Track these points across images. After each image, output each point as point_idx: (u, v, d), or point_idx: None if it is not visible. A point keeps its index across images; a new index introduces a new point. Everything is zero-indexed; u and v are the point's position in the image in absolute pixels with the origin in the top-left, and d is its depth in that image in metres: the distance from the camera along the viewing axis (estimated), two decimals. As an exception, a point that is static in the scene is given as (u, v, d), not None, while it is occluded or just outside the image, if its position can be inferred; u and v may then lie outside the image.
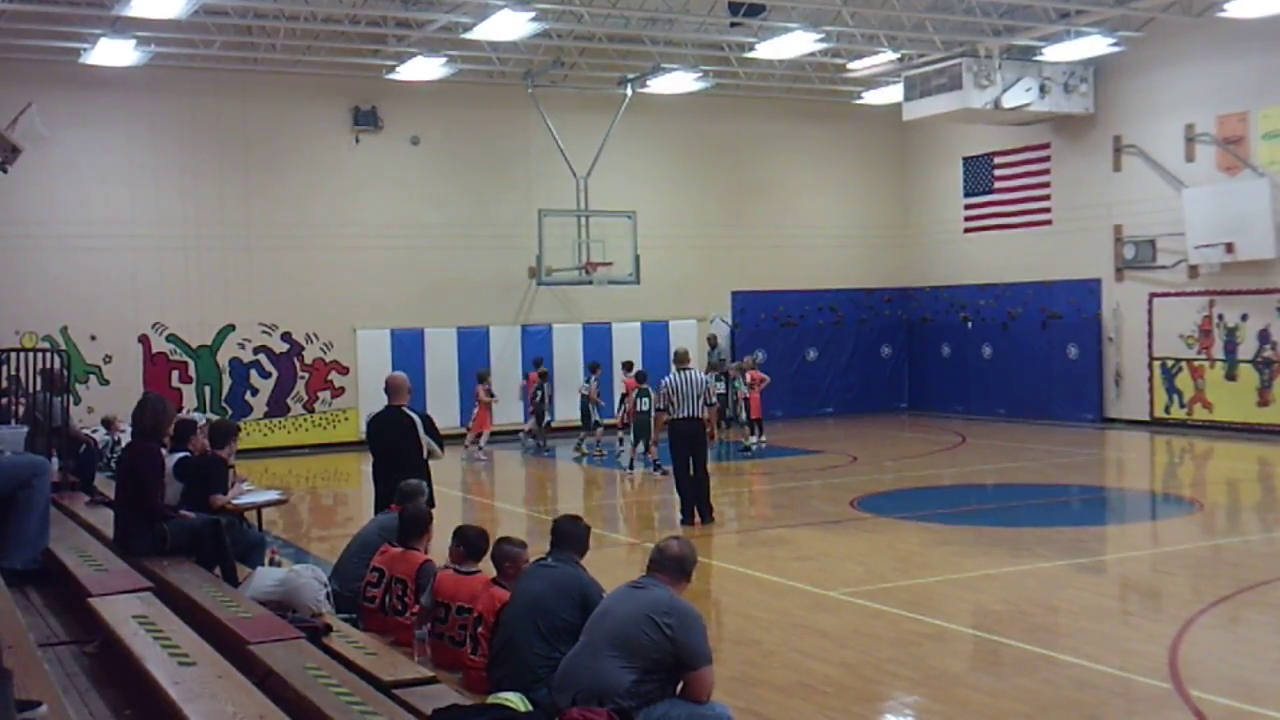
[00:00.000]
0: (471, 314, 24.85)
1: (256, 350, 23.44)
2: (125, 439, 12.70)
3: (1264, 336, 21.88)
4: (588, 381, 22.22)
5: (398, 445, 10.41)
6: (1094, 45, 22.14)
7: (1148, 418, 23.71)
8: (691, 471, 14.22)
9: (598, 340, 25.62)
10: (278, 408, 23.59)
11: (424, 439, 10.41)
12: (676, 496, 14.55)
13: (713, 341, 25.42)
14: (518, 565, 7.02)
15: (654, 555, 6.04)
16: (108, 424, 16.67)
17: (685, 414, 14.08)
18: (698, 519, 14.22)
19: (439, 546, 7.96)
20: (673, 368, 14.77)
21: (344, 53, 22.36)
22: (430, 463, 10.49)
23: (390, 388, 10.78)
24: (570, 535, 6.68)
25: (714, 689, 5.81)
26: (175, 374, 22.77)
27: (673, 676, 5.70)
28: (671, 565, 5.95)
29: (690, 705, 5.69)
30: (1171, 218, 22.79)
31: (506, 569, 7.04)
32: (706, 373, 22.21)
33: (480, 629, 6.80)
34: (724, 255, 27.14)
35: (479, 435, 21.41)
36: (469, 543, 7.45)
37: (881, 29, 21.80)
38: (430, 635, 7.32)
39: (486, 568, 7.29)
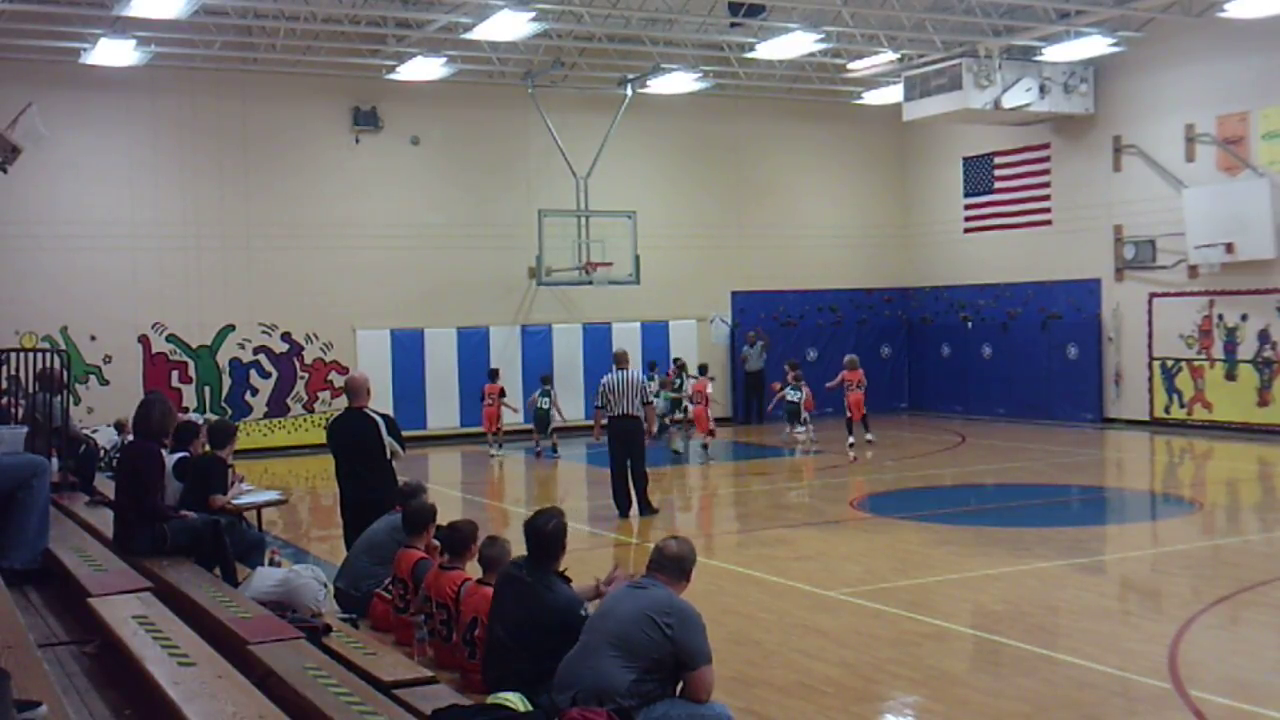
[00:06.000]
0: (471, 314, 24.85)
1: (256, 350, 23.43)
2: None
3: (1264, 336, 21.87)
4: (545, 394, 22.11)
5: (362, 447, 10.28)
6: (1094, 45, 22.14)
7: (1148, 418, 23.70)
8: (629, 466, 14.83)
9: (598, 340, 25.61)
10: (278, 408, 23.59)
11: (387, 440, 10.26)
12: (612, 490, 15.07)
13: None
14: (504, 565, 7.07)
15: (653, 555, 6.05)
16: (119, 426, 16.60)
17: (621, 412, 14.70)
18: (634, 510, 14.80)
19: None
20: (612, 367, 15.22)
21: (344, 53, 22.36)
22: (394, 464, 10.41)
23: (351, 389, 10.62)
24: (541, 540, 6.40)
25: (714, 689, 5.81)
26: (175, 374, 22.76)
27: (673, 676, 5.70)
28: (671, 565, 5.96)
29: (690, 705, 5.69)
30: (1171, 218, 22.78)
31: (495, 569, 7.07)
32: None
33: (477, 632, 6.78)
34: (724, 255, 27.15)
35: (708, 432, 21.26)
36: (445, 539, 7.64)
37: (881, 29, 21.80)
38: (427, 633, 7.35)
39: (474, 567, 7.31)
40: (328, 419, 23.79)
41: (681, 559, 5.99)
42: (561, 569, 6.44)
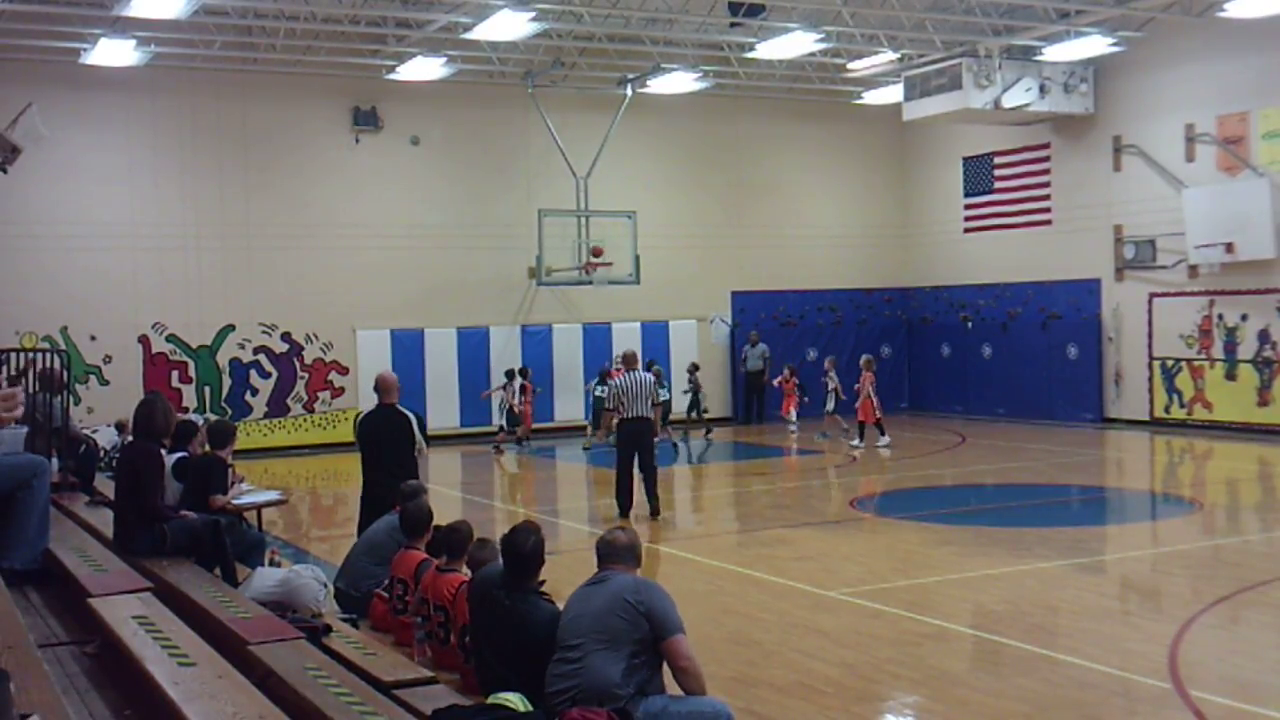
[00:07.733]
0: (471, 314, 24.85)
1: (256, 350, 23.43)
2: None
3: (1264, 336, 21.87)
4: (506, 388, 23.04)
5: (394, 441, 10.53)
6: (1094, 45, 22.14)
7: (1148, 418, 23.70)
8: (637, 467, 14.86)
9: (598, 340, 25.62)
10: (278, 408, 23.58)
11: (418, 436, 10.55)
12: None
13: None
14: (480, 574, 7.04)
15: (605, 550, 6.20)
16: (119, 426, 16.60)
17: (633, 414, 14.71)
18: (634, 512, 14.73)
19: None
20: (622, 369, 15.29)
21: (344, 53, 22.35)
22: (419, 460, 10.61)
23: (383, 387, 10.82)
24: (519, 558, 6.25)
25: (710, 688, 5.83)
26: (175, 374, 22.76)
27: (657, 654, 5.85)
28: (625, 553, 6.19)
29: (690, 701, 5.79)
30: (1171, 218, 22.78)
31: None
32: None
33: (469, 637, 6.77)
34: (724, 255, 27.14)
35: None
36: (443, 541, 7.64)
37: (881, 29, 21.80)
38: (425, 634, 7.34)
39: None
40: (330, 419, 24.11)
41: (634, 546, 6.27)
42: (540, 581, 6.34)
